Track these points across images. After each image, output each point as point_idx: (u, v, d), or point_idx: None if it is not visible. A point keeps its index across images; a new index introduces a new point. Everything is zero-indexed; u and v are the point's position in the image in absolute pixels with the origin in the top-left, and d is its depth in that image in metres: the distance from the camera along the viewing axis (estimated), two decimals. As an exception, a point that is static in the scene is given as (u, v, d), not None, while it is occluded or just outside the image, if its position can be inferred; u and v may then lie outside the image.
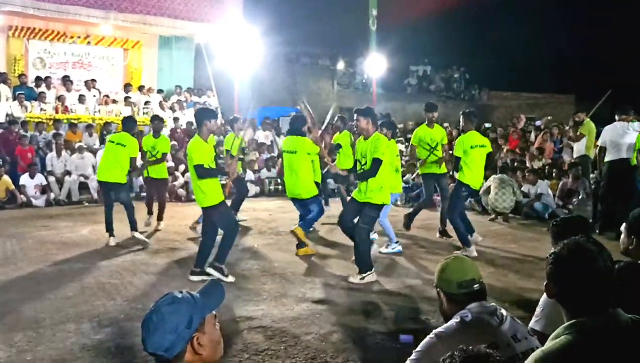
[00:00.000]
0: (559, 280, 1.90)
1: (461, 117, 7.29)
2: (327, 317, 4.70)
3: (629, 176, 8.16)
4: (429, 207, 8.49)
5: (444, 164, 7.91)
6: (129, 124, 7.89)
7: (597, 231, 7.66)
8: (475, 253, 6.85)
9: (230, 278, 5.72)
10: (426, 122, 7.91)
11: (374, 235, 7.30)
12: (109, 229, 7.49)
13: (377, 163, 5.67)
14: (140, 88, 15.66)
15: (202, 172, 5.59)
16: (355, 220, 5.98)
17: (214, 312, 1.82)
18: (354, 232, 5.90)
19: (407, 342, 3.99)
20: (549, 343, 1.82)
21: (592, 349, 1.73)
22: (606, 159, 8.33)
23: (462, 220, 7.15)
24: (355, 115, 5.95)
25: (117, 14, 14.64)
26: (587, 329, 1.78)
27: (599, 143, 8.65)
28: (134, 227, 7.68)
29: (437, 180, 8.06)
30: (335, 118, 8.82)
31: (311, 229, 7.71)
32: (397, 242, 7.19)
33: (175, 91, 16.63)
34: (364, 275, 5.76)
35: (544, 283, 1.98)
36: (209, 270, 5.74)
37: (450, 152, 8.17)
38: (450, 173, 8.48)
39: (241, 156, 8.49)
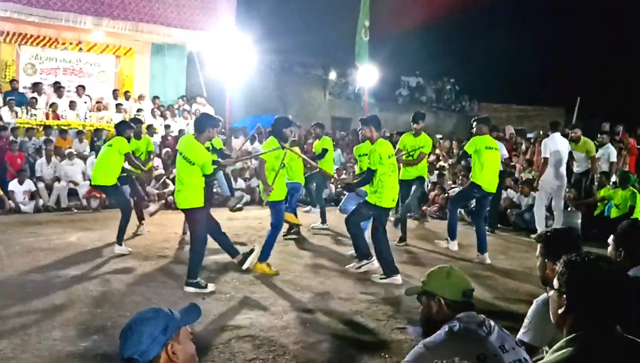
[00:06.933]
0: (578, 293, 1.83)
1: (474, 123, 7.37)
2: (316, 327, 4.69)
3: None
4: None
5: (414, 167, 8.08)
6: (120, 127, 7.84)
7: None
8: (456, 248, 7.27)
9: (211, 287, 5.67)
10: (413, 132, 8.12)
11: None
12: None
13: (369, 173, 6.03)
14: (126, 94, 15.54)
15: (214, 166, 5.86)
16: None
17: (189, 329, 1.94)
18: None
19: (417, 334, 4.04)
20: (551, 356, 1.80)
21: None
22: None
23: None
24: (360, 124, 6.34)
25: (110, 21, 14.53)
26: (591, 342, 1.76)
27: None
28: (118, 238, 7.29)
29: (410, 185, 8.16)
30: (312, 125, 9.27)
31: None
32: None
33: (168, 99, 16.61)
34: (360, 264, 6.14)
35: (550, 295, 1.95)
36: (187, 289, 5.60)
37: (430, 159, 8.49)
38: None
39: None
